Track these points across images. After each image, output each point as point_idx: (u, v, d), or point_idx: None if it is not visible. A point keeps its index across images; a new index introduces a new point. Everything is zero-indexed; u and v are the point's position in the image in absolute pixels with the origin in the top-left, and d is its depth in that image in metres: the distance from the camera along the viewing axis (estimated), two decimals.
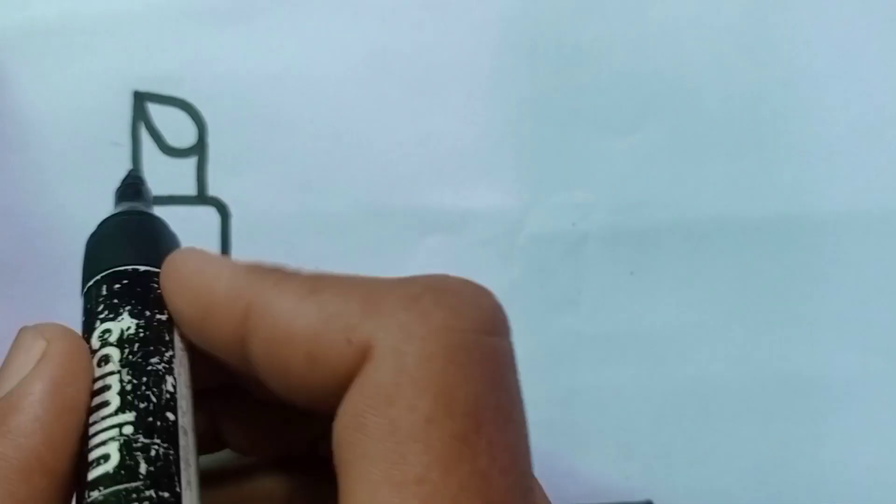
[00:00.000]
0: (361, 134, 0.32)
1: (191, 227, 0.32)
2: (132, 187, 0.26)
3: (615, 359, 0.33)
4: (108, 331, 0.20)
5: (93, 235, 0.23)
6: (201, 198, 0.32)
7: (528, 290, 0.33)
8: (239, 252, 0.32)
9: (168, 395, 0.19)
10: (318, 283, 0.18)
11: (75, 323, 0.29)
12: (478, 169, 0.33)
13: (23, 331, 0.20)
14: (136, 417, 0.18)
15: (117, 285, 0.21)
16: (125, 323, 0.20)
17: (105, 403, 0.19)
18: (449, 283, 0.18)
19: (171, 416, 0.19)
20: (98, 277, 0.21)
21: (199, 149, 0.32)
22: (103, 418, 0.18)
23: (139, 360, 0.19)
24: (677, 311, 0.33)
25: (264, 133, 0.32)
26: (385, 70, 0.32)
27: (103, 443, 0.18)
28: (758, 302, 0.34)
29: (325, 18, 0.32)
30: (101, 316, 0.20)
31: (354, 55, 0.32)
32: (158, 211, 0.32)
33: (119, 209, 0.24)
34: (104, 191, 0.32)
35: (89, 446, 0.18)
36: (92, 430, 0.18)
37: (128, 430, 0.18)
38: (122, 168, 0.31)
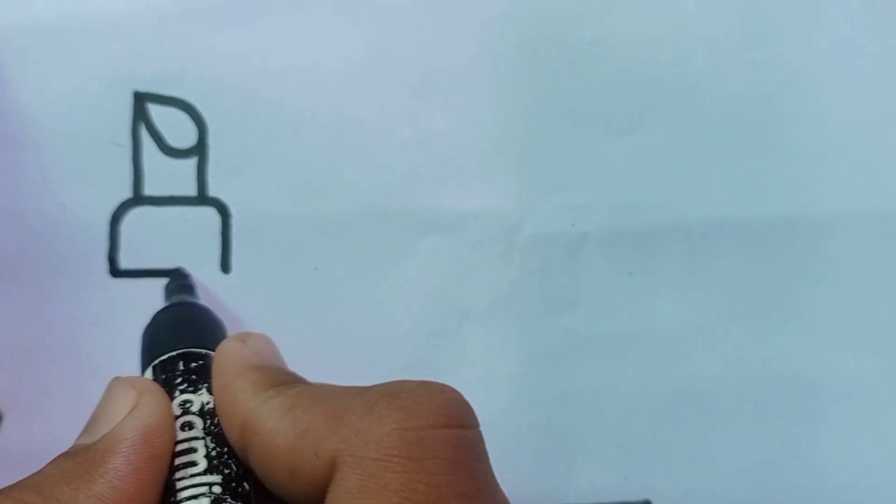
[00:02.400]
0: (361, 134, 0.32)
1: (191, 228, 0.32)
2: (185, 282, 0.30)
3: (614, 359, 0.33)
4: (189, 401, 0.22)
5: (165, 314, 0.27)
6: (202, 198, 0.32)
7: (526, 290, 0.33)
8: (240, 252, 0.32)
9: (243, 469, 0.21)
10: (295, 400, 0.20)
11: (77, 325, 0.29)
12: (477, 169, 0.33)
13: (115, 380, 0.22)
14: (223, 480, 0.21)
15: (194, 364, 0.23)
16: (205, 397, 0.22)
17: (192, 463, 0.21)
18: (404, 386, 0.19)
19: (246, 486, 0.21)
20: (174, 353, 0.24)
21: (199, 149, 0.32)
22: (192, 476, 0.21)
23: (219, 432, 0.22)
24: (676, 312, 0.33)
25: (265, 134, 0.32)
26: (385, 70, 0.32)
27: (195, 497, 0.20)
28: (756, 303, 0.34)
29: (325, 18, 0.32)
30: (181, 387, 0.23)
31: (354, 55, 0.32)
32: (159, 211, 0.32)
33: (182, 299, 0.29)
34: (104, 191, 0.32)
35: (178, 498, 0.20)
36: (180, 484, 0.20)
37: (217, 489, 0.20)
38: (123, 168, 0.32)
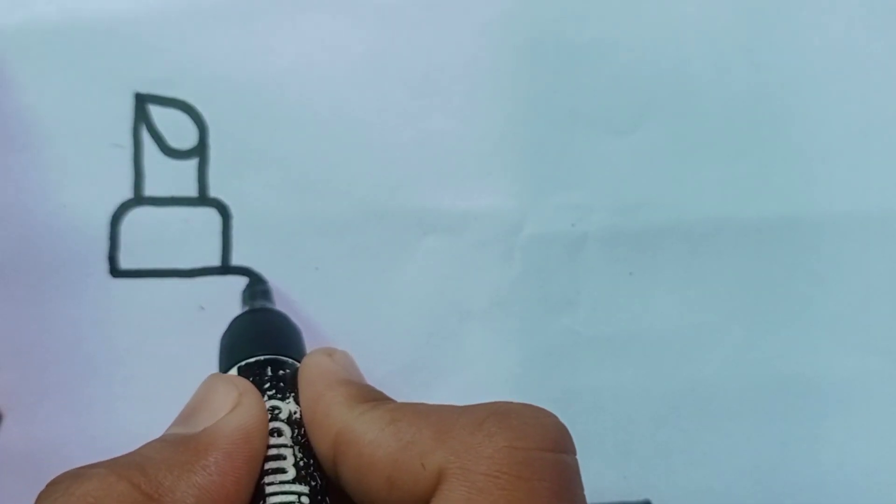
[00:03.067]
0: (361, 134, 0.32)
1: (192, 229, 0.32)
2: (264, 287, 0.30)
3: (614, 359, 0.33)
4: (277, 408, 0.22)
5: (249, 318, 0.27)
6: (202, 199, 0.32)
7: (527, 290, 0.33)
8: (240, 253, 0.32)
9: (325, 483, 0.21)
10: (396, 414, 0.20)
11: (77, 325, 0.29)
12: (478, 169, 0.33)
13: (214, 377, 0.23)
14: (310, 491, 0.21)
15: (281, 371, 0.23)
16: (292, 406, 0.22)
17: (281, 470, 0.21)
18: (511, 407, 0.20)
19: (329, 500, 0.21)
20: (261, 358, 0.24)
21: (200, 150, 0.32)
22: (282, 483, 0.21)
23: (306, 442, 0.22)
24: (676, 312, 0.34)
25: (265, 134, 0.32)
26: (385, 70, 0.32)
27: None
28: (757, 303, 0.34)
29: (325, 18, 0.32)
30: (270, 393, 0.23)
31: (354, 55, 0.32)
32: (160, 212, 0.32)
33: (264, 305, 0.29)
34: (105, 191, 0.32)
35: (268, 503, 0.20)
36: (270, 489, 0.21)
37: (305, 500, 0.21)
38: (123, 169, 0.32)
